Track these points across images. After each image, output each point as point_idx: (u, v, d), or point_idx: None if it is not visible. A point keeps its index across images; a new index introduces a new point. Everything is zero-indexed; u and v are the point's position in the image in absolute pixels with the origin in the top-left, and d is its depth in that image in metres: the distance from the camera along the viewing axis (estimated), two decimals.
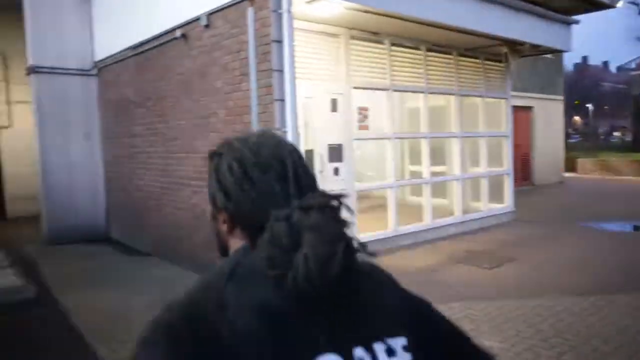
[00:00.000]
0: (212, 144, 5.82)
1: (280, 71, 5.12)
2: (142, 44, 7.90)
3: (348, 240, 0.85)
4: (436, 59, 8.55)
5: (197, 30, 6.46)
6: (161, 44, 7.37)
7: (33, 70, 9.11)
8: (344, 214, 0.89)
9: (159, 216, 7.94)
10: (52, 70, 9.22)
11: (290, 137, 5.16)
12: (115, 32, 8.88)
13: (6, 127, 12.77)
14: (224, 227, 1.03)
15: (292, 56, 5.07)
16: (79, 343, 4.64)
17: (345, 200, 0.91)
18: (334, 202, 0.89)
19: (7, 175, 12.77)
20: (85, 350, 4.51)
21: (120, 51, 8.61)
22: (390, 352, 0.89)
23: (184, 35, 6.71)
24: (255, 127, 5.46)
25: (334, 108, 7.12)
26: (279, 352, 0.81)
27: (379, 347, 0.89)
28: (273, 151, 1.00)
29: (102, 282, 6.75)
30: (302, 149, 5.46)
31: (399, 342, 0.91)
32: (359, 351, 0.86)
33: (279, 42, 5.10)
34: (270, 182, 0.96)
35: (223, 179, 1.02)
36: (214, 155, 1.08)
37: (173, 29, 6.92)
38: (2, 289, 2.20)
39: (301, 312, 0.84)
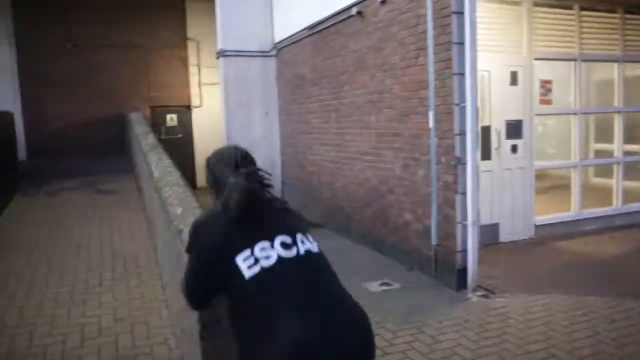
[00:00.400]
0: (387, 119, 5.86)
1: (461, 44, 4.93)
2: (318, 23, 8.19)
3: (255, 188, 1.86)
4: (636, 23, 7.56)
5: (373, 7, 6.50)
6: (337, 22, 7.56)
7: (222, 54, 9.99)
8: (265, 175, 1.93)
9: (332, 190, 8.26)
10: (237, 53, 10.02)
11: (469, 112, 4.98)
12: (293, 14, 9.33)
13: (198, 107, 14.25)
14: (214, 194, 2.01)
15: (473, 27, 4.84)
16: None
17: (261, 172, 1.94)
18: (253, 170, 1.92)
19: (197, 150, 14.28)
20: None
21: (298, 32, 9.03)
22: (304, 240, 1.87)
23: (359, 13, 6.81)
24: (432, 102, 5.36)
25: (513, 81, 6.69)
26: (230, 240, 1.76)
27: (299, 237, 1.85)
28: (227, 152, 2.05)
29: None
30: (478, 124, 5.23)
31: (309, 236, 1.92)
32: (281, 237, 1.79)
33: (460, 13, 4.90)
34: (225, 167, 1.96)
35: (211, 170, 2.03)
36: (209, 160, 2.07)
37: (349, 7, 7.05)
38: None
39: (243, 223, 1.78)
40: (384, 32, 6.30)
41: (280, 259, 1.74)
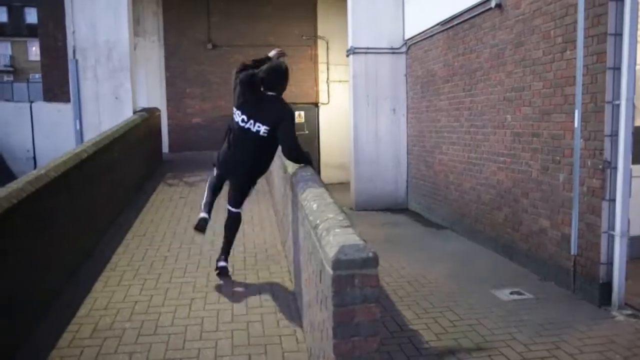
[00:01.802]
0: (525, 118, 5.51)
1: (618, 35, 4.47)
2: (452, 18, 7.93)
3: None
4: None
5: None
6: (472, 17, 7.26)
7: (352, 51, 10.07)
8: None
9: (459, 191, 7.97)
10: (367, 51, 10.04)
11: (624, 111, 4.50)
12: (425, 10, 9.12)
13: (325, 104, 14.53)
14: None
15: (635, 16, 4.35)
16: (386, 302, 5.00)
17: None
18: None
19: (323, 146, 14.56)
20: (393, 310, 4.83)
21: (430, 27, 8.81)
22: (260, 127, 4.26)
23: (498, 5, 6.46)
24: (579, 99, 4.93)
25: None
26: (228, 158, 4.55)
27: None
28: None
29: (403, 250, 7.14)
30: (634, 123, 4.72)
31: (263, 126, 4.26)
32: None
33: (619, 0, 4.44)
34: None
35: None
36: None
37: (487, 0, 6.72)
38: (349, 245, 2.43)
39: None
40: (525, 25, 5.91)
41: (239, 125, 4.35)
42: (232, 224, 4.75)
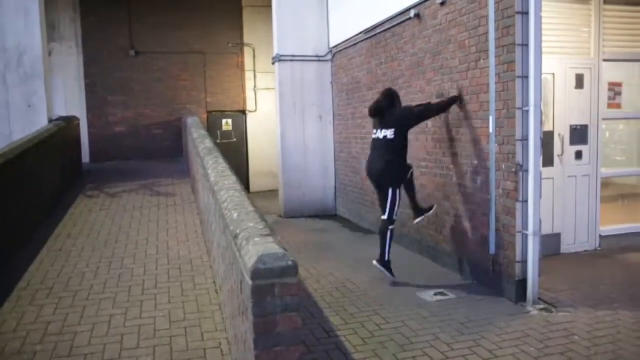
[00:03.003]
0: (444, 124, 5.71)
1: (525, 45, 4.73)
2: (374, 27, 8.10)
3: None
4: None
5: (431, 9, 6.35)
6: (393, 26, 7.45)
7: (278, 59, 10.06)
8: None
9: None
10: (293, 58, 10.07)
11: (532, 117, 4.77)
12: (349, 18, 9.27)
13: (252, 111, 14.43)
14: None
15: (538, 28, 4.62)
16: (314, 308, 5.01)
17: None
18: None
19: (251, 154, 14.45)
20: (320, 316, 4.84)
21: (353, 35, 8.97)
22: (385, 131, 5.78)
23: (417, 15, 6.67)
24: (493, 106, 5.17)
25: (579, 84, 6.39)
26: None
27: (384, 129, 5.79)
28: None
29: (330, 255, 7.19)
30: (541, 129, 5.01)
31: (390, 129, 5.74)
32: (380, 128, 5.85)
33: (524, 13, 4.70)
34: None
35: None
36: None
37: (407, 10, 6.93)
38: (267, 254, 2.41)
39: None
40: (442, 35, 6.14)
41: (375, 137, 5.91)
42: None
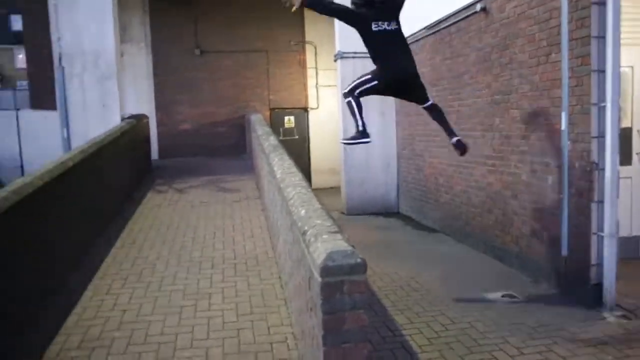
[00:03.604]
0: (513, 121, 5.53)
1: (601, 37, 4.50)
2: (438, 22, 7.96)
3: None
4: None
5: (499, 2, 6.17)
6: (458, 20, 7.29)
7: (340, 56, 10.08)
8: None
9: (449, 194, 7.98)
10: (355, 55, 10.02)
11: (609, 113, 4.54)
12: (412, 14, 9.10)
13: (314, 109, 14.53)
14: None
15: (617, 19, 4.39)
16: (378, 307, 4.99)
17: None
18: None
19: (313, 151, 14.56)
20: (385, 315, 4.81)
21: (417, 32, 8.84)
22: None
23: (484, 9, 6.50)
24: (566, 102, 4.96)
25: None
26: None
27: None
28: None
29: (394, 254, 7.14)
30: (618, 126, 4.75)
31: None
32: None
33: (601, 4, 4.48)
34: None
35: None
36: None
37: (473, 4, 6.76)
38: (336, 251, 2.41)
39: None
40: (510, 29, 5.95)
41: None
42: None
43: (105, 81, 9.67)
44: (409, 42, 9.08)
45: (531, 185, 5.75)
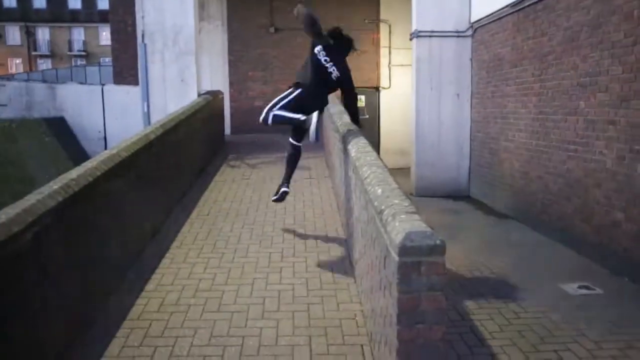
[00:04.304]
0: (600, 104, 5.22)
1: None
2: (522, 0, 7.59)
3: None
4: None
5: None
6: None
7: (416, 35, 9.86)
8: None
9: (525, 179, 7.70)
10: (432, 34, 9.80)
11: None
12: None
13: (386, 88, 14.35)
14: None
15: None
16: (447, 290, 4.91)
17: None
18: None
19: (383, 131, 14.42)
20: (454, 299, 4.73)
21: (498, 9, 8.48)
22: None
23: None
24: None
25: None
26: None
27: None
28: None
29: (464, 238, 6.98)
30: None
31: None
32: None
33: None
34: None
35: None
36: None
37: None
38: (415, 232, 2.38)
39: None
40: (605, 5, 5.58)
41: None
42: None
43: (184, 57, 9.97)
44: (488, 21, 8.81)
45: (617, 173, 5.43)
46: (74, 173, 3.74)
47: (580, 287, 5.05)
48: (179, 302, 3.96)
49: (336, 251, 4.96)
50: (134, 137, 5.35)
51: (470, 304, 4.63)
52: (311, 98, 5.04)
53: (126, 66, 15.43)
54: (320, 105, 5.15)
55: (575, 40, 6.21)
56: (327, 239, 5.30)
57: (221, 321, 3.66)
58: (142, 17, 9.84)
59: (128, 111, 13.88)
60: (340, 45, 5.13)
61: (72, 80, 20.20)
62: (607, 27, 5.56)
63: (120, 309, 3.81)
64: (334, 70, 4.98)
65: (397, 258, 2.36)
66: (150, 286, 4.24)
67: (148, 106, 10.18)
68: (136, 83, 11.01)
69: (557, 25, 6.65)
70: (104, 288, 3.93)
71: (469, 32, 9.83)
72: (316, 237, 5.36)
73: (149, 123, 9.45)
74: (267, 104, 5.36)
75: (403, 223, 2.51)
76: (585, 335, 4.00)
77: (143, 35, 9.93)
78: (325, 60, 4.98)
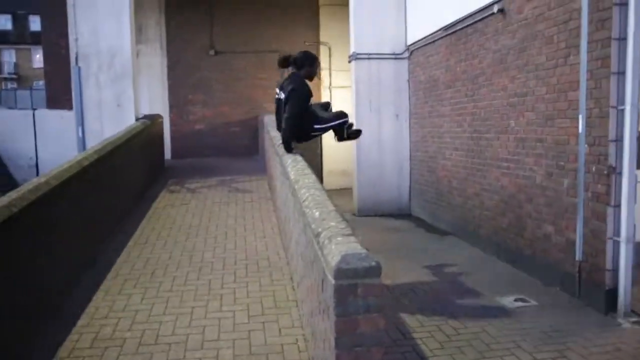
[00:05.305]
0: (528, 123, 5.48)
1: (623, 39, 4.43)
2: (454, 23, 7.91)
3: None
4: None
5: (517, 3, 6.10)
6: (475, 22, 7.23)
7: (354, 57, 10.05)
8: None
9: (462, 196, 7.92)
10: (370, 56, 10.03)
11: (628, 117, 4.46)
12: (428, 15, 9.10)
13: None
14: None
15: (639, 20, 4.33)
16: (389, 310, 4.95)
17: None
18: None
19: (325, 152, 14.53)
20: (396, 318, 4.77)
21: (432, 33, 8.80)
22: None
23: (501, 10, 6.44)
24: (583, 104, 4.89)
25: None
26: None
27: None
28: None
29: (405, 256, 7.09)
30: (637, 129, 4.67)
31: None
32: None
33: (622, 4, 4.40)
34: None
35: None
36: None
37: (490, 5, 6.71)
38: (351, 254, 2.39)
39: None
40: (528, 30, 5.89)
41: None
42: None
43: (121, 81, 9.73)
44: (424, 44, 9.11)
45: (546, 188, 5.68)
46: None
47: (516, 300, 5.20)
48: (114, 335, 3.79)
49: (278, 275, 4.91)
50: (65, 164, 5.15)
51: (412, 322, 4.67)
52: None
53: (60, 90, 14.91)
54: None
55: (504, 63, 6.50)
56: (268, 263, 5.24)
57: (159, 354, 3.53)
58: (76, 40, 9.56)
59: (62, 137, 13.37)
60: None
61: (1, 104, 19.33)
62: (531, 51, 5.86)
63: (49, 348, 3.60)
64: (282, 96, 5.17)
65: (333, 281, 2.36)
66: (83, 320, 4.04)
67: (83, 131, 9.84)
68: (71, 107, 10.62)
69: (487, 48, 6.96)
70: (32, 326, 3.71)
71: (406, 55, 10.12)
72: (258, 262, 5.30)
73: (84, 149, 9.14)
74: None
75: (339, 245, 2.51)
76: (520, 347, 4.11)
77: (77, 58, 9.63)
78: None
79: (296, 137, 5.21)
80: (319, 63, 5.48)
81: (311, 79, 5.26)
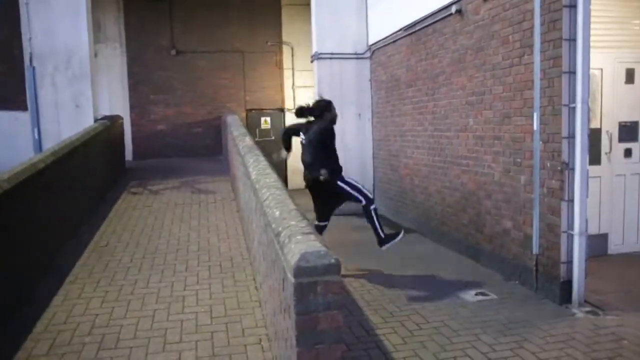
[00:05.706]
0: (486, 121, 5.61)
1: (572, 40, 4.59)
2: (414, 24, 8.02)
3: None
4: None
5: (474, 4, 6.24)
6: (434, 22, 7.36)
7: (317, 57, 10.08)
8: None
9: (425, 194, 8.05)
10: (332, 56, 10.07)
11: (579, 114, 4.62)
12: (389, 15, 9.21)
13: (291, 110, 14.49)
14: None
15: (587, 22, 4.48)
16: (353, 306, 5.00)
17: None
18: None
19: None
20: (360, 314, 4.82)
21: (393, 33, 8.90)
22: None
23: (459, 11, 6.57)
24: (538, 103, 5.04)
25: (629, 79, 6.16)
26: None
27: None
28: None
29: (369, 253, 7.15)
30: (588, 127, 4.85)
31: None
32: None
33: (572, 7, 4.56)
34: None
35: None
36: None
37: (448, 5, 6.83)
38: (310, 252, 2.41)
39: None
40: (485, 31, 6.03)
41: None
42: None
43: (78, 81, 9.51)
44: (385, 43, 9.22)
45: (504, 185, 5.83)
46: None
47: (477, 294, 5.32)
48: (72, 341, 3.71)
49: (241, 276, 4.90)
50: (19, 167, 5.00)
51: (375, 319, 4.72)
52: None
53: (13, 90, 14.43)
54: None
55: (462, 62, 6.64)
56: (232, 264, 5.22)
57: (119, 358, 3.48)
58: (30, 39, 9.29)
59: (17, 139, 12.94)
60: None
61: None
62: (488, 51, 6.00)
63: (4, 357, 3.50)
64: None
65: (293, 279, 2.37)
66: (39, 327, 3.95)
67: (39, 133, 9.58)
68: (26, 109, 10.31)
69: (446, 48, 7.09)
70: None
71: (368, 54, 10.21)
72: (221, 263, 5.27)
73: (41, 151, 8.89)
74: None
75: (299, 244, 2.52)
76: (481, 340, 4.21)
77: (31, 58, 9.36)
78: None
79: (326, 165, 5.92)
80: (334, 106, 6.13)
81: (335, 122, 6.05)
